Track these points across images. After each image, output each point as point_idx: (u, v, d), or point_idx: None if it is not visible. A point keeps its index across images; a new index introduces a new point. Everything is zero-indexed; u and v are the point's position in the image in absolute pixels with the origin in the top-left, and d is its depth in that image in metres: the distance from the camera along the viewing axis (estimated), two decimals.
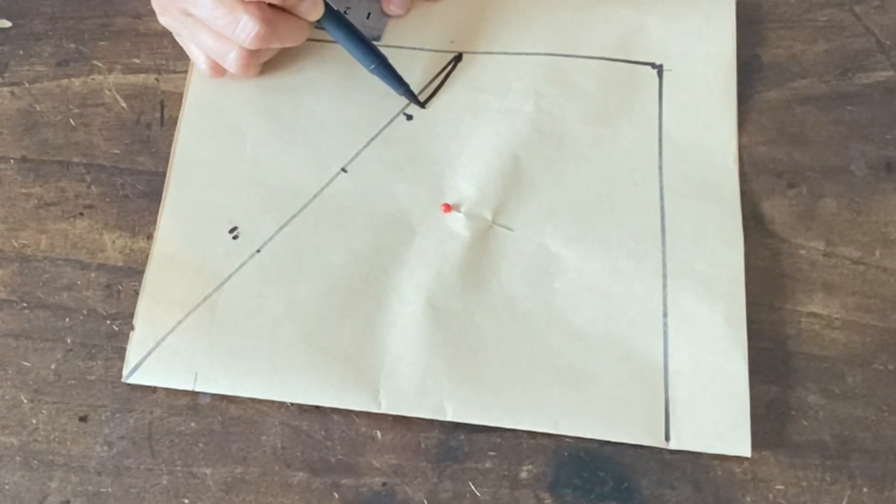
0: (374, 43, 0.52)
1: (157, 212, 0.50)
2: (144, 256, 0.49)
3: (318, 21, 0.50)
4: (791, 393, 0.47)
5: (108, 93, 0.54)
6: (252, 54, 0.50)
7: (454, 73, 0.54)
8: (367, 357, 0.47)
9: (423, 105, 0.52)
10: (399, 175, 0.51)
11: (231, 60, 0.50)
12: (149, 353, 0.47)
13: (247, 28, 0.47)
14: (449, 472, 0.46)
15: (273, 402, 0.47)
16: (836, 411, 0.47)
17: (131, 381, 0.47)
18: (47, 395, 0.47)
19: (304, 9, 0.49)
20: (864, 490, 0.45)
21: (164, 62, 0.54)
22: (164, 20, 0.51)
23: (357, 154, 0.52)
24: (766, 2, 0.56)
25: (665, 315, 0.48)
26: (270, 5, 0.47)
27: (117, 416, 0.47)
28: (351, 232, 0.50)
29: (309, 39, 0.55)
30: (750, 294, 0.48)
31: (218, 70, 0.52)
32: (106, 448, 0.46)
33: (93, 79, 0.54)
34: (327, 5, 0.50)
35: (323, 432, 0.46)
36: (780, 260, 0.50)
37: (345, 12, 0.55)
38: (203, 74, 0.52)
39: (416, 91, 0.53)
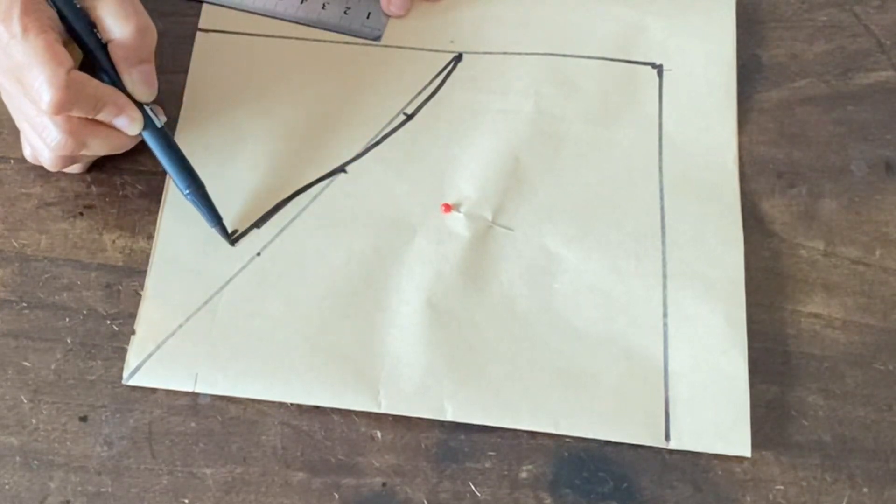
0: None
1: (157, 212, 0.50)
2: (144, 256, 0.49)
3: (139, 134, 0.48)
4: (791, 393, 0.47)
5: None
6: (64, 158, 0.47)
7: (454, 73, 0.54)
8: (367, 357, 0.47)
9: (233, 243, 0.49)
10: (399, 175, 0.51)
11: (44, 159, 0.48)
12: (149, 356, 0.47)
13: (50, 135, 0.45)
14: (449, 472, 0.46)
15: (273, 402, 0.47)
16: (836, 411, 0.47)
17: (131, 382, 0.47)
18: (47, 395, 0.47)
19: (119, 125, 0.47)
20: (864, 490, 0.45)
21: (163, 62, 0.54)
22: (5, 100, 0.49)
23: (357, 154, 0.52)
24: (766, 2, 0.56)
25: (665, 315, 0.48)
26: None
27: (117, 416, 0.47)
28: (351, 232, 0.50)
29: (308, 40, 0.55)
30: (750, 294, 0.48)
31: (38, 160, 0.50)
32: (106, 448, 0.46)
33: None
34: (149, 120, 0.48)
35: (323, 432, 0.46)
36: (780, 260, 0.50)
37: (345, 12, 0.55)
38: (28, 159, 0.50)
39: (413, 93, 0.53)
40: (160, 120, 0.48)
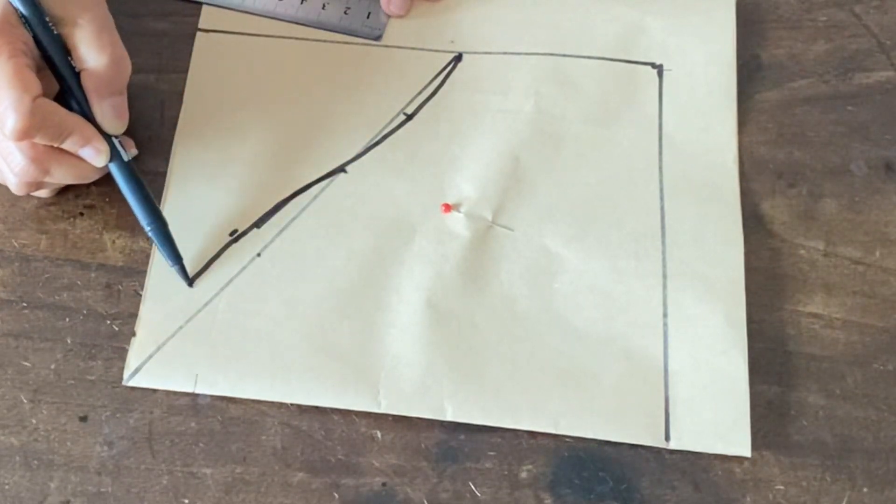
0: None
1: None
2: (144, 256, 0.49)
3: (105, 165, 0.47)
4: (791, 393, 0.47)
5: None
6: (28, 183, 0.47)
7: (454, 73, 0.54)
8: (367, 357, 0.47)
9: (190, 284, 0.48)
10: (399, 175, 0.51)
11: (10, 183, 0.47)
12: (150, 357, 0.47)
13: (15, 161, 0.45)
14: (449, 472, 0.46)
15: (273, 402, 0.47)
16: (836, 411, 0.47)
17: (132, 384, 0.47)
18: (47, 395, 0.47)
19: (85, 155, 0.46)
20: (864, 490, 0.45)
21: (163, 62, 0.54)
22: None
23: (357, 154, 0.52)
24: (766, 2, 0.56)
25: (665, 315, 0.48)
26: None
27: (117, 416, 0.47)
28: (351, 233, 0.50)
29: (308, 40, 0.55)
30: (750, 294, 0.48)
31: (5, 182, 0.49)
32: (106, 448, 0.46)
33: None
34: (116, 153, 0.47)
35: (323, 432, 0.46)
36: (780, 260, 0.50)
37: (345, 12, 0.55)
38: None
39: (413, 93, 0.53)
40: (128, 153, 0.48)
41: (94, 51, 0.45)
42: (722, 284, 0.48)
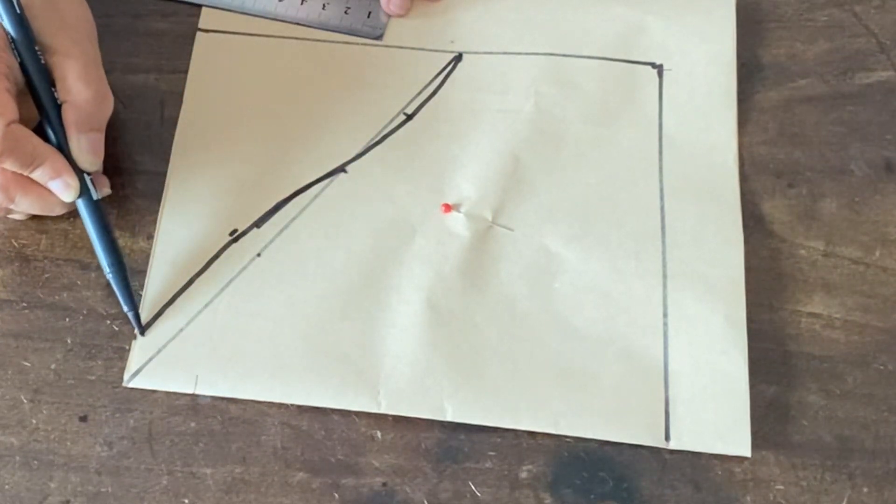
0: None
1: (157, 212, 0.50)
2: (145, 256, 0.49)
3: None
4: (791, 393, 0.47)
5: None
6: None
7: (454, 73, 0.54)
8: (366, 357, 0.47)
9: (142, 333, 0.47)
10: (399, 175, 0.51)
11: None
12: (150, 359, 0.47)
13: None
14: (449, 472, 0.46)
15: (273, 401, 0.47)
16: (836, 411, 0.47)
17: (132, 385, 0.47)
18: (47, 395, 0.47)
19: (53, 188, 0.45)
20: (864, 490, 0.45)
21: (163, 62, 0.54)
22: None
23: (357, 154, 0.52)
24: (766, 2, 0.56)
25: (665, 315, 0.48)
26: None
27: (117, 416, 0.47)
28: (351, 233, 0.50)
29: (308, 40, 0.55)
30: (750, 294, 0.48)
31: None
32: (106, 448, 0.46)
33: None
34: (86, 190, 0.46)
35: (323, 432, 0.46)
36: (780, 260, 0.50)
37: (345, 12, 0.55)
38: None
39: (413, 93, 0.53)
40: (98, 192, 0.47)
41: (79, 84, 0.45)
42: (722, 284, 0.48)
